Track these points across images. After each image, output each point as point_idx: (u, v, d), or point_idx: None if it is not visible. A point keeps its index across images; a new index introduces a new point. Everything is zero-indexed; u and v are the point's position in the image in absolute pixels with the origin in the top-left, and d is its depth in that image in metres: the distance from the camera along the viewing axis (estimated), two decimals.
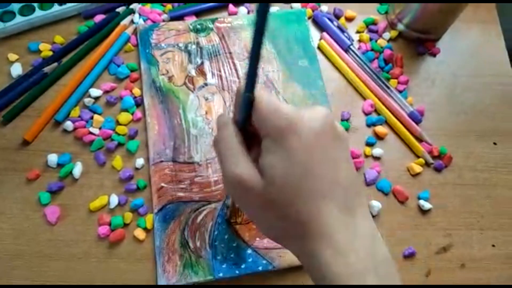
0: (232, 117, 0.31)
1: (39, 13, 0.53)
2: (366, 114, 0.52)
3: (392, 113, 0.52)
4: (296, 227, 0.28)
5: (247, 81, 0.27)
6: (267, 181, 0.27)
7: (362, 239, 0.28)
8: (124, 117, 0.48)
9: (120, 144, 0.47)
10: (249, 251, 0.43)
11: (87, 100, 0.49)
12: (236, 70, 0.52)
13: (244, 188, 0.28)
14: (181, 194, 0.45)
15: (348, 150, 0.30)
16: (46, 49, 0.52)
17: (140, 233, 0.43)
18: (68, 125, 0.47)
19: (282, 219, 0.28)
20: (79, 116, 0.48)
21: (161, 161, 0.46)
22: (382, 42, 0.57)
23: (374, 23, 0.58)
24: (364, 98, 0.53)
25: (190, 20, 0.55)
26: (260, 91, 0.28)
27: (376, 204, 0.46)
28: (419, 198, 0.48)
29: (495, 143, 0.52)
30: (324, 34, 0.56)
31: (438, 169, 0.50)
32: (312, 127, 0.27)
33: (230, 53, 0.53)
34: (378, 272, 0.27)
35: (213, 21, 0.55)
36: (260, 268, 0.42)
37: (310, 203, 0.27)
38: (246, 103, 0.28)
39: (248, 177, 0.28)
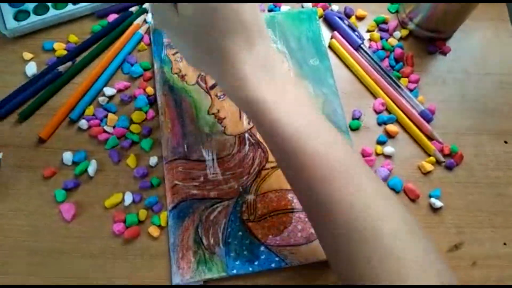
0: None
1: (53, 13, 0.53)
2: (377, 112, 0.52)
3: (403, 112, 0.52)
4: (205, 54, 0.36)
5: None
6: (182, 17, 0.34)
7: (257, 60, 0.35)
8: (138, 115, 0.49)
9: (134, 143, 0.48)
10: (262, 248, 0.44)
11: (101, 99, 0.49)
12: None
13: (166, 24, 0.37)
14: (194, 191, 0.45)
15: None
16: (60, 48, 0.52)
17: (154, 230, 0.44)
18: (83, 123, 0.48)
19: (192, 48, 0.36)
20: (94, 115, 0.49)
21: (175, 159, 0.47)
22: (392, 41, 0.57)
23: (384, 22, 0.58)
24: (375, 97, 0.53)
25: None
26: None
27: None
28: (430, 197, 0.48)
29: (506, 142, 0.52)
30: (335, 33, 0.56)
31: (449, 168, 0.50)
32: None
33: None
34: (270, 78, 0.35)
35: None
36: (273, 265, 0.43)
37: (215, 32, 0.34)
38: None
39: (168, 15, 0.35)
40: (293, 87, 0.36)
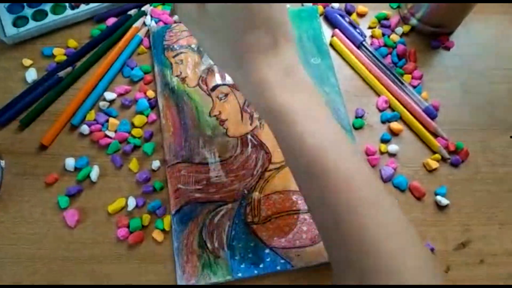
0: None
1: (52, 18, 0.53)
2: (381, 110, 0.52)
3: (407, 109, 0.51)
4: (230, 54, 0.34)
5: None
6: (208, 12, 0.32)
7: (280, 64, 0.33)
8: (139, 119, 0.49)
9: (136, 147, 0.48)
10: (267, 250, 0.43)
11: (102, 104, 0.49)
12: None
13: (191, 20, 0.35)
14: (197, 195, 0.45)
15: None
16: (60, 53, 0.52)
17: (158, 235, 0.44)
18: (84, 128, 0.48)
19: (218, 46, 0.34)
20: (95, 120, 0.49)
21: (177, 163, 0.46)
22: (395, 37, 0.56)
23: (386, 18, 0.58)
24: (378, 95, 0.53)
25: None
26: None
27: None
28: (436, 194, 0.47)
29: None
30: (336, 30, 0.56)
31: (454, 165, 0.49)
32: None
33: None
34: (292, 86, 0.33)
35: None
36: (278, 267, 0.43)
37: (240, 26, 0.32)
38: None
39: (192, 10, 0.34)
40: (317, 97, 0.34)
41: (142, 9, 0.56)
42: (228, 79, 0.51)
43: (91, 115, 0.49)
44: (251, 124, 0.49)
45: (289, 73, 0.33)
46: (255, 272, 0.42)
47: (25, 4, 0.54)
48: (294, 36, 0.34)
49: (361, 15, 0.58)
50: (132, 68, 0.52)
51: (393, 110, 0.52)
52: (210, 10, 0.32)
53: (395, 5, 0.59)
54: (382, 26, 0.57)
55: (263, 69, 0.32)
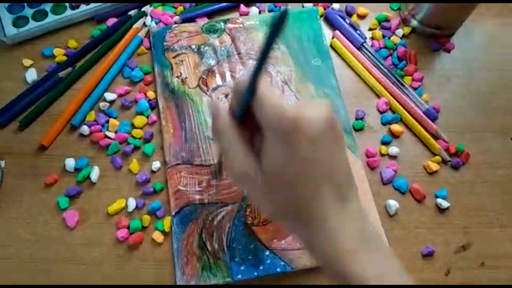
0: (227, 106, 0.32)
1: (52, 18, 0.53)
2: (381, 112, 0.52)
3: (408, 111, 0.51)
4: (294, 211, 0.30)
5: (252, 75, 0.28)
6: (268, 173, 0.29)
7: (352, 222, 0.30)
8: (139, 120, 0.49)
9: (136, 148, 0.48)
10: (267, 252, 0.43)
11: (102, 104, 0.49)
12: (248, 70, 0.52)
13: (247, 180, 0.31)
14: (198, 196, 0.45)
15: (344, 143, 0.31)
16: (60, 54, 0.52)
17: (158, 236, 0.44)
18: (84, 129, 0.48)
19: (280, 204, 0.31)
20: (95, 120, 0.49)
21: (177, 164, 0.46)
22: (395, 39, 0.56)
23: (387, 19, 0.58)
24: (379, 96, 0.52)
25: (202, 22, 0.55)
26: (262, 85, 0.29)
27: (393, 204, 0.46)
28: (436, 197, 0.47)
29: None
30: (337, 32, 0.56)
31: (455, 167, 0.49)
32: (315, 125, 0.28)
33: (242, 53, 0.53)
34: (369, 249, 0.29)
35: (225, 22, 0.55)
36: (278, 269, 0.42)
37: (306, 189, 0.29)
38: (247, 97, 0.29)
39: (250, 171, 0.30)
40: (390, 253, 0.31)
41: (143, 9, 0.56)
42: (229, 80, 0.51)
43: (91, 116, 0.49)
44: None
45: (359, 229, 0.30)
46: (255, 274, 0.42)
47: (25, 4, 0.54)
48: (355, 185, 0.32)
49: (362, 17, 0.58)
50: (132, 69, 0.52)
51: (393, 112, 0.52)
52: (267, 170, 0.30)
53: (395, 6, 0.59)
54: (383, 27, 0.57)
55: (332, 227, 0.29)
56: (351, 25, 0.56)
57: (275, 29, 0.24)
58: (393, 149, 0.49)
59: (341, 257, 0.29)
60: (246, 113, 0.30)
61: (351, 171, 0.31)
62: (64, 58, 0.52)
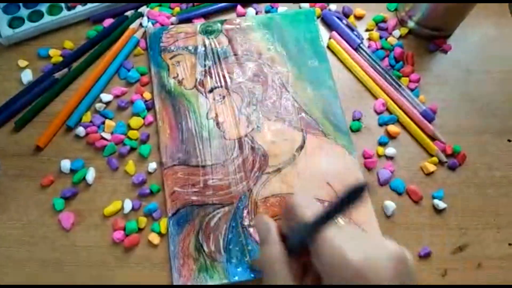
0: (277, 227, 0.29)
1: (48, 19, 0.53)
2: (378, 113, 0.52)
3: (404, 112, 0.51)
4: None
5: (318, 220, 0.26)
6: None
7: None
8: (136, 121, 0.48)
9: (132, 149, 0.47)
10: None
11: (98, 105, 0.49)
12: (245, 71, 0.52)
13: None
14: (194, 197, 0.45)
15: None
16: (56, 54, 0.52)
17: (154, 238, 0.43)
18: (80, 130, 0.47)
19: None
20: (91, 121, 0.48)
21: (174, 165, 0.46)
22: (392, 40, 0.56)
23: (383, 20, 0.58)
24: (376, 97, 0.52)
25: (199, 23, 0.55)
26: (325, 229, 0.26)
27: (390, 205, 0.46)
28: (433, 198, 0.47)
29: (509, 140, 0.51)
30: (334, 33, 0.56)
31: (452, 168, 0.49)
32: (385, 276, 0.25)
33: (239, 54, 0.53)
34: None
35: (221, 23, 0.55)
36: None
37: None
38: (305, 237, 0.26)
39: None
40: None
41: (139, 10, 0.55)
42: (225, 82, 0.51)
43: (87, 117, 0.48)
44: (248, 127, 0.49)
45: None
46: (252, 275, 0.42)
47: (21, 4, 0.53)
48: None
49: (359, 18, 0.58)
50: (128, 70, 0.51)
51: (390, 113, 0.52)
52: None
53: (392, 7, 0.59)
54: (380, 28, 0.57)
55: None
56: (348, 26, 0.56)
57: (351, 199, 0.23)
58: (390, 150, 0.49)
59: None
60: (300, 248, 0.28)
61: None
62: (60, 59, 0.52)
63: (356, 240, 0.26)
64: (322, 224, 0.26)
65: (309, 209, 0.28)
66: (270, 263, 0.28)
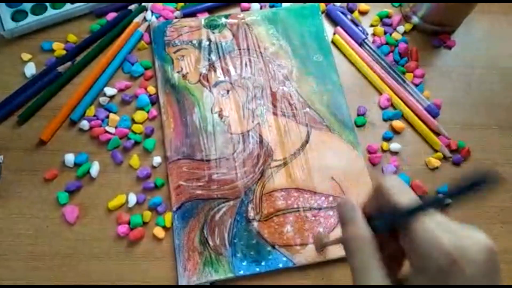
0: (361, 207, 0.29)
1: (51, 12, 0.52)
2: (383, 108, 0.51)
3: (409, 107, 0.51)
4: None
5: (421, 206, 0.26)
6: None
7: None
8: (140, 115, 0.48)
9: (136, 143, 0.47)
10: (269, 248, 0.43)
11: (102, 99, 0.49)
12: (250, 66, 0.52)
13: None
14: (199, 191, 0.45)
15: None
16: (59, 48, 0.52)
17: (159, 232, 0.43)
18: (84, 124, 0.47)
19: None
20: (95, 115, 0.48)
21: (178, 159, 0.46)
22: (396, 35, 0.56)
23: (388, 16, 0.58)
24: (380, 93, 0.52)
25: (203, 17, 0.54)
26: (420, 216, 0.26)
27: None
28: (438, 193, 0.47)
29: None
30: (338, 28, 0.56)
31: (456, 163, 0.49)
32: (476, 265, 0.25)
33: (243, 49, 0.53)
34: None
35: (226, 17, 0.54)
36: (280, 265, 0.42)
37: None
38: (400, 220, 0.26)
39: None
40: None
41: (143, 4, 0.55)
42: (229, 77, 0.51)
43: (91, 111, 0.48)
44: (253, 121, 0.49)
45: None
46: (257, 269, 0.42)
47: None
48: None
49: (363, 13, 0.58)
50: (132, 64, 0.51)
51: (395, 108, 0.52)
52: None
53: (397, 3, 0.59)
54: (384, 24, 0.57)
55: None
56: (352, 21, 0.56)
57: (472, 187, 0.24)
58: (394, 145, 0.49)
59: None
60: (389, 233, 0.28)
61: None
62: (64, 52, 0.51)
63: (449, 228, 0.27)
64: (419, 211, 0.26)
65: (405, 195, 0.28)
66: (356, 241, 0.28)
